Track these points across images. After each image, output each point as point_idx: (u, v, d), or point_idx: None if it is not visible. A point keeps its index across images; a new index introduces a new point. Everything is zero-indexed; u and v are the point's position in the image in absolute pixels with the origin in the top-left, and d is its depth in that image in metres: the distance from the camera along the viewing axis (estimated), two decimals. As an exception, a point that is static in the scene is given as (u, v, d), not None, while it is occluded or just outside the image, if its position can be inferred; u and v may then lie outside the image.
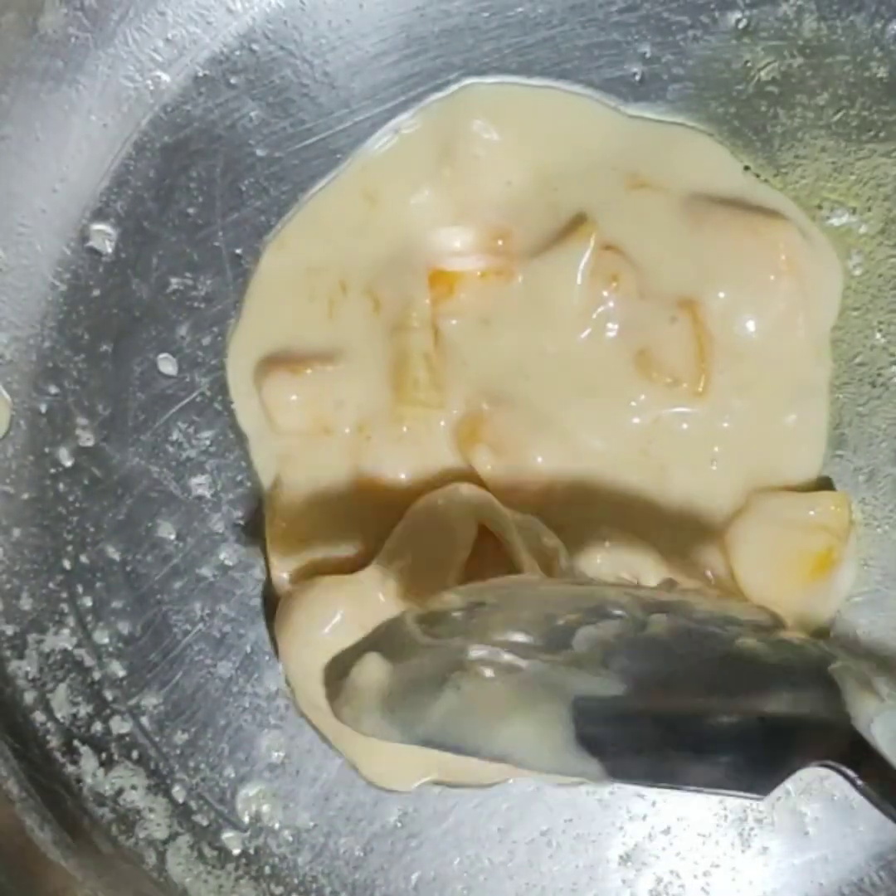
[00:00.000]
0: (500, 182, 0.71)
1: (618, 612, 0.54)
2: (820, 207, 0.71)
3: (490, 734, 0.50)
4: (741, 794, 0.50)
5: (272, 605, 0.70)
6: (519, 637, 0.53)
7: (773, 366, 0.70)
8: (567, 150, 0.71)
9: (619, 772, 0.50)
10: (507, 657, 0.52)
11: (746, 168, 0.71)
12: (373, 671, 0.53)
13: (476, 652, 0.52)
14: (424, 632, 0.54)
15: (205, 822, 0.70)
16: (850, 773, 0.51)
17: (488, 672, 0.51)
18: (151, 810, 0.70)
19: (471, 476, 0.69)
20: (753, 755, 0.50)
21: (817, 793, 0.70)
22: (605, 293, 0.69)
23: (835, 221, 0.71)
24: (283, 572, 0.69)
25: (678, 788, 0.50)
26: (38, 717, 0.70)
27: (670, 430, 0.69)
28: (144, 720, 0.70)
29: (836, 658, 0.53)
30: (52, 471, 0.71)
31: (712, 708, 0.51)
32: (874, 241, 0.71)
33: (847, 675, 0.52)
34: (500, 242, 0.70)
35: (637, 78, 0.71)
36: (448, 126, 0.71)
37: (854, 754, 0.51)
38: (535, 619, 0.54)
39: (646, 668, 0.51)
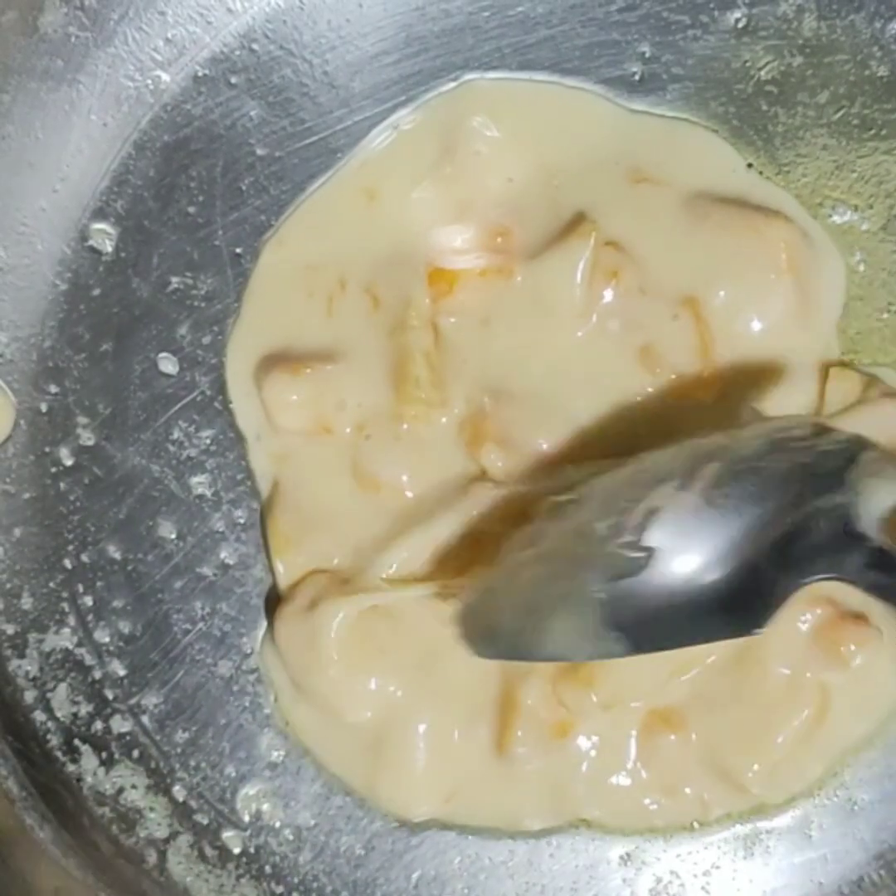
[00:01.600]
0: (501, 179, 0.71)
1: (669, 477, 0.58)
2: (822, 205, 0.71)
3: (540, 640, 0.57)
4: (743, 635, 0.56)
5: (274, 604, 0.70)
6: (586, 528, 0.59)
7: (777, 362, 0.69)
8: (568, 146, 0.71)
9: (643, 645, 0.56)
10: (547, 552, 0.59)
11: (749, 165, 0.71)
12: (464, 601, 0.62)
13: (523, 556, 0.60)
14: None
15: (205, 821, 0.70)
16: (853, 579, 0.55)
17: (531, 575, 0.59)
18: (152, 809, 0.70)
19: (472, 473, 0.69)
20: (753, 592, 0.55)
21: (822, 794, 0.70)
22: (606, 289, 0.69)
23: (837, 219, 0.71)
24: (286, 573, 0.69)
25: (693, 644, 0.56)
26: (39, 716, 0.70)
27: (680, 417, 0.69)
28: (145, 719, 0.70)
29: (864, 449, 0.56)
30: (53, 470, 0.71)
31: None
32: (876, 237, 0.71)
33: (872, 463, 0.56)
34: (499, 240, 0.70)
35: (637, 77, 0.71)
36: (448, 122, 0.71)
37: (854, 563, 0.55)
38: (603, 511, 0.59)
39: (675, 531, 0.56)
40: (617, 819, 0.70)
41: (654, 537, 0.56)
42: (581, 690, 0.67)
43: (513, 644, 0.59)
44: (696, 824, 0.70)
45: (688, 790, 0.69)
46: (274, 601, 0.70)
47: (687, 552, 0.56)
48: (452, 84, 0.71)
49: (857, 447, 0.57)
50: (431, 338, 0.69)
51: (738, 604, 0.55)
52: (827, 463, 0.56)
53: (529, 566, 0.60)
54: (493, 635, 0.60)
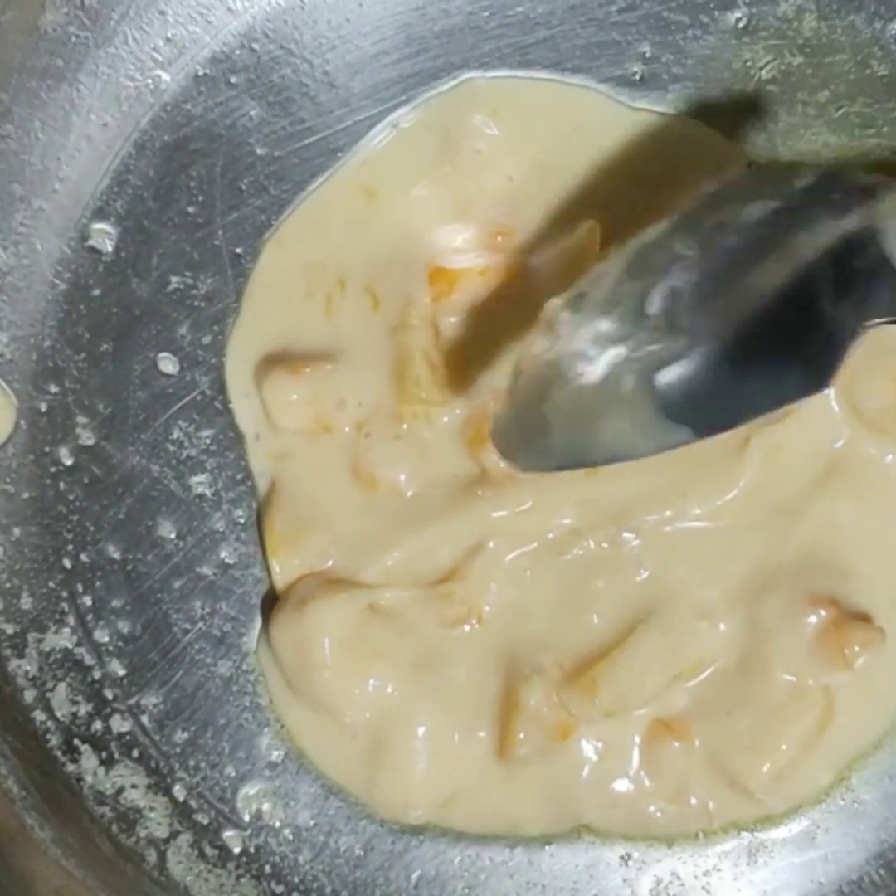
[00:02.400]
0: (501, 177, 0.70)
1: (682, 251, 0.57)
2: (824, 201, 0.71)
3: (593, 443, 0.55)
4: (812, 393, 0.54)
5: (270, 606, 0.70)
6: (604, 325, 0.56)
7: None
8: (569, 144, 0.70)
9: (707, 429, 0.54)
10: (589, 355, 0.56)
11: (750, 164, 0.71)
12: (497, 421, 0.60)
13: (564, 360, 0.57)
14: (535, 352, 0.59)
15: (205, 821, 0.70)
16: None
17: (577, 376, 0.56)
18: (152, 809, 0.70)
19: (473, 473, 0.69)
20: (815, 350, 0.53)
21: (828, 801, 0.70)
22: None
23: (839, 214, 0.71)
24: (282, 572, 0.69)
25: (760, 416, 0.55)
26: (39, 715, 0.70)
27: None
28: (145, 719, 0.70)
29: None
30: (53, 470, 0.71)
31: (769, 312, 0.54)
32: (880, 230, 0.71)
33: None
34: (500, 239, 0.70)
35: (637, 77, 0.71)
36: (448, 120, 0.70)
37: None
38: (615, 298, 0.57)
39: (711, 304, 0.54)
40: (619, 826, 0.69)
41: (685, 317, 0.55)
42: (584, 697, 0.67)
43: (562, 453, 0.57)
44: (701, 834, 0.69)
45: (693, 799, 0.69)
46: (270, 603, 0.70)
47: (730, 318, 0.54)
48: (452, 83, 0.71)
49: (874, 185, 0.57)
50: (432, 337, 0.69)
51: (799, 361, 0.54)
52: (848, 198, 0.56)
53: (562, 381, 0.57)
54: (536, 447, 0.58)
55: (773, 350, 0.54)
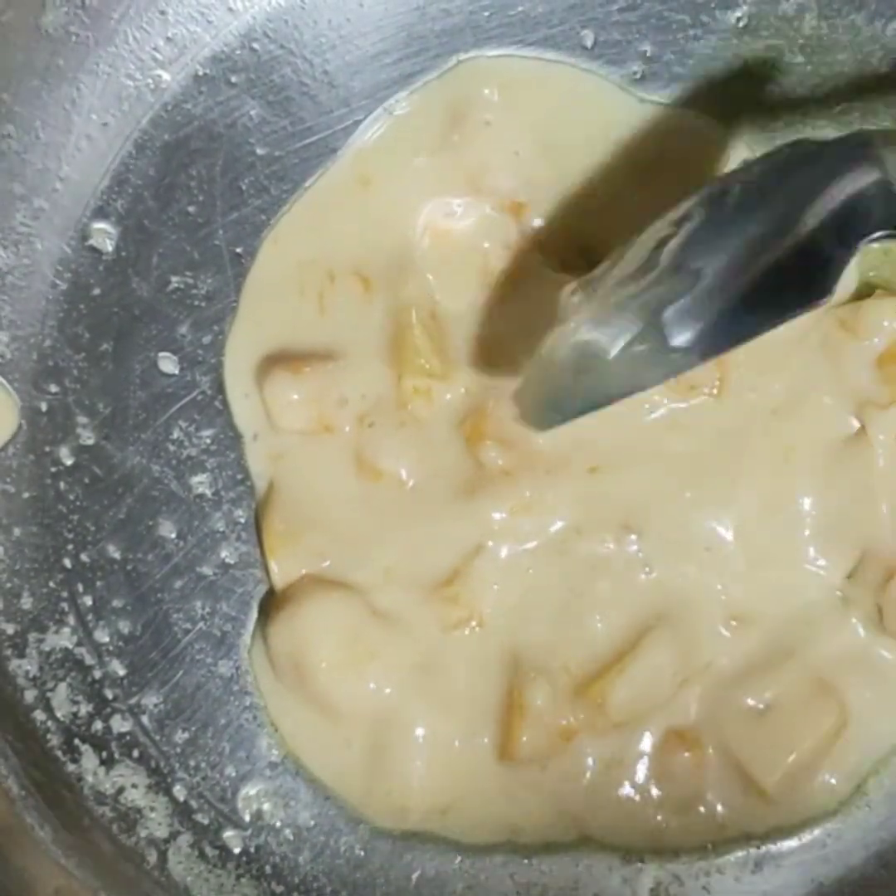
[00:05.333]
0: (508, 152, 0.70)
1: (688, 212, 0.59)
2: (826, 196, 0.71)
3: (607, 383, 0.57)
4: (813, 307, 0.55)
5: (267, 607, 0.70)
6: (617, 275, 0.59)
7: (787, 358, 0.69)
8: (570, 123, 0.70)
9: (710, 351, 0.56)
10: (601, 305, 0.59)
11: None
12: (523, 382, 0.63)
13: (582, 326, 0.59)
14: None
15: (206, 821, 0.70)
16: None
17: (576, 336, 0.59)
18: (152, 809, 0.70)
19: (468, 468, 0.69)
20: (814, 267, 0.55)
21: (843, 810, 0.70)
22: None
23: (842, 208, 0.71)
24: (280, 572, 0.69)
25: (762, 334, 0.56)
26: (39, 715, 0.70)
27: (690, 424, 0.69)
28: (145, 719, 0.70)
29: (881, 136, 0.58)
30: (53, 469, 0.71)
31: (768, 246, 0.56)
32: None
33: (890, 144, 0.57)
34: (504, 215, 0.70)
35: (638, 76, 0.71)
36: (452, 95, 0.70)
37: None
38: (632, 258, 0.60)
39: (717, 245, 0.57)
40: (623, 837, 0.69)
41: (697, 257, 0.57)
42: (594, 708, 0.67)
43: (578, 401, 0.59)
44: (710, 845, 0.69)
45: (702, 808, 0.68)
46: (267, 604, 0.70)
47: (734, 253, 0.56)
48: (453, 61, 0.71)
49: (869, 134, 0.58)
50: (429, 306, 0.69)
51: (800, 279, 0.55)
52: (848, 144, 0.58)
53: (572, 333, 0.60)
54: (553, 401, 0.61)
55: (773, 276, 0.56)
